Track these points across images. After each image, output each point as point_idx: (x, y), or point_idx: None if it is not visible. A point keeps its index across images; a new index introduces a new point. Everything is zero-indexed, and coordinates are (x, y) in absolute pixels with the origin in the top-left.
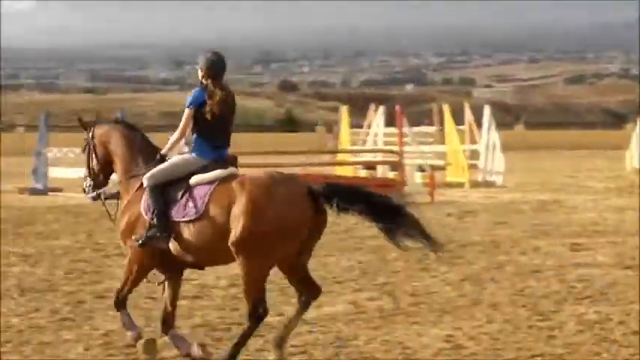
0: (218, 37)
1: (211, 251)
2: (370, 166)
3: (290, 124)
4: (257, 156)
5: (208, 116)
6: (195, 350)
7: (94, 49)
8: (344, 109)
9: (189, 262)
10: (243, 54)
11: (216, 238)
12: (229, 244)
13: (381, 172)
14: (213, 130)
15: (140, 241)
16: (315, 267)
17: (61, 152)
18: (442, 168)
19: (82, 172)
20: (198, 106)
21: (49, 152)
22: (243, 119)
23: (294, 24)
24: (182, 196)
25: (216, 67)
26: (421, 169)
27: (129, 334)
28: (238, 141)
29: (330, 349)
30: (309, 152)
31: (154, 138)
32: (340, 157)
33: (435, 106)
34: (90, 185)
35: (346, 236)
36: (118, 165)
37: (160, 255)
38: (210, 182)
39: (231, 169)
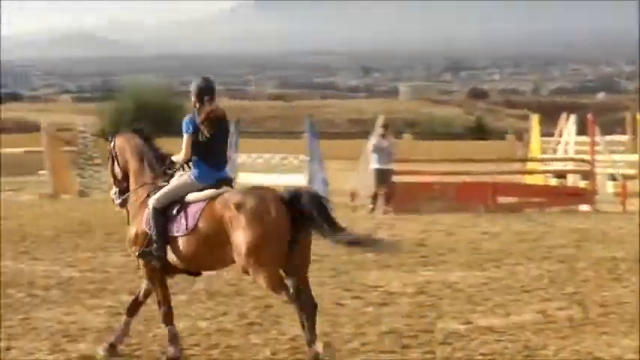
0: (408, 45)
1: (201, 261)
2: (561, 174)
3: (480, 131)
4: (446, 163)
5: (203, 139)
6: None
7: (286, 56)
8: (535, 118)
9: (184, 269)
10: (433, 62)
11: (205, 249)
12: (240, 265)
13: (572, 181)
14: (209, 153)
15: (138, 253)
16: (504, 275)
17: (250, 158)
18: (634, 177)
19: (269, 177)
20: (193, 131)
21: (238, 158)
22: (430, 127)
23: (485, 32)
24: (178, 213)
25: (204, 92)
26: (613, 178)
27: (171, 349)
28: (427, 148)
29: (518, 357)
30: (499, 160)
31: (343, 145)
32: (530, 165)
33: (627, 115)
34: (116, 193)
35: (535, 245)
36: (130, 174)
37: (161, 267)
38: (202, 200)
39: (223, 189)
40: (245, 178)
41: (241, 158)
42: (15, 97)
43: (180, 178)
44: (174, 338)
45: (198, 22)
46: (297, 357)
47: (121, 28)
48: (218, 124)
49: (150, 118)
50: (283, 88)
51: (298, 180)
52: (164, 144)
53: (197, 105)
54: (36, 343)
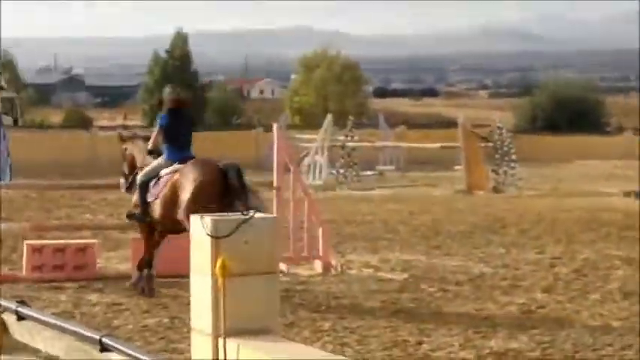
0: None
1: (167, 220)
2: None
3: None
4: None
5: (174, 132)
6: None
7: None
8: None
9: (164, 228)
10: None
11: (167, 210)
12: (179, 218)
13: None
14: (177, 140)
15: (126, 214)
16: None
17: None
18: None
19: None
20: (165, 126)
21: None
22: None
23: None
24: (154, 185)
25: (174, 96)
26: None
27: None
28: None
29: None
30: None
31: None
32: None
33: None
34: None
35: None
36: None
37: (148, 226)
38: (168, 174)
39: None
40: None
41: None
42: (432, 93)
43: (157, 159)
44: (149, 279)
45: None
46: None
47: (546, 24)
48: (188, 122)
49: (566, 114)
50: None
51: None
52: (578, 141)
53: (170, 106)
54: (447, 338)
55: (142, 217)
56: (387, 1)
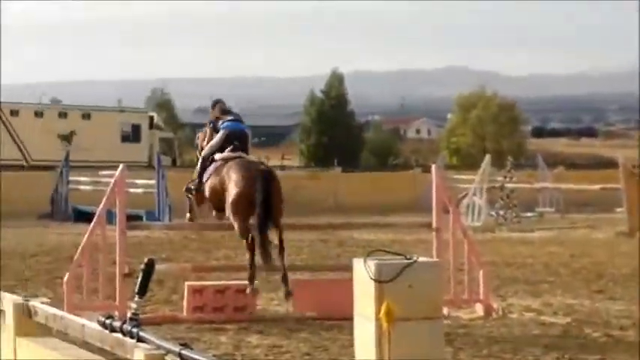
0: None
1: (213, 201)
2: None
3: None
4: None
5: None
6: None
7: None
8: None
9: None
10: None
11: (213, 194)
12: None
13: None
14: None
15: (185, 189)
16: None
17: None
18: None
19: None
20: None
21: None
22: None
23: None
24: (209, 165)
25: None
26: None
27: None
28: None
29: None
30: None
31: None
32: None
33: None
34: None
35: None
36: None
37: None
38: (219, 160)
39: (238, 154)
40: None
41: None
42: (590, 132)
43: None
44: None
45: None
46: None
47: None
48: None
49: None
50: None
51: None
52: None
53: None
54: None
55: (192, 190)
56: (541, 40)
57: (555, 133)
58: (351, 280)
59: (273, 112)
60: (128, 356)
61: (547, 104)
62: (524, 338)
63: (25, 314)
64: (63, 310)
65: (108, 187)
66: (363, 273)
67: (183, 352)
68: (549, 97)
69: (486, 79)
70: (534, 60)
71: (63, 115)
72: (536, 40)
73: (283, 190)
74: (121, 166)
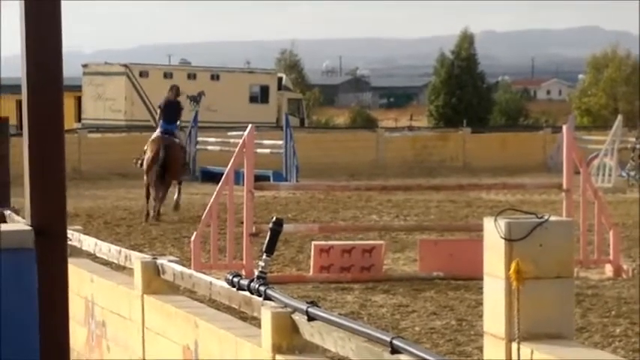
0: None
1: None
2: None
3: None
4: None
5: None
6: None
7: None
8: None
9: None
10: None
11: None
12: None
13: None
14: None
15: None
16: None
17: None
18: None
19: None
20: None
21: None
22: None
23: None
24: None
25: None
26: None
27: None
28: None
29: None
30: None
31: None
32: None
33: None
34: None
35: None
36: None
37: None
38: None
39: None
40: None
41: None
42: None
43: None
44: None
45: None
46: None
47: None
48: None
49: None
50: None
51: None
52: None
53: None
54: None
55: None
56: None
57: None
58: (477, 240)
59: (404, 73)
60: (255, 314)
61: None
62: None
63: (153, 272)
64: (190, 268)
65: (236, 148)
66: (493, 232)
67: (310, 310)
68: None
69: (622, 40)
70: None
71: (192, 76)
72: None
73: (413, 150)
74: (249, 126)
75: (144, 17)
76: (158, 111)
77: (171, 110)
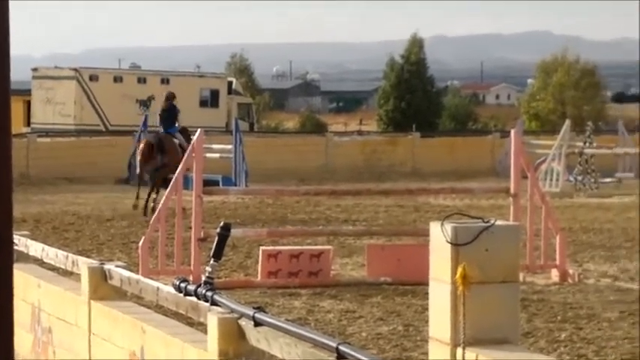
0: None
1: None
2: None
3: None
4: None
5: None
6: None
7: None
8: None
9: None
10: None
11: None
12: None
13: None
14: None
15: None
16: None
17: None
18: None
19: None
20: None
21: None
22: None
23: None
24: None
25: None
26: None
27: None
28: None
29: None
30: None
31: None
32: None
33: None
34: None
35: None
36: None
37: None
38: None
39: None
40: None
41: None
42: None
43: None
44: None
45: None
46: None
47: None
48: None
49: None
50: None
51: None
52: None
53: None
54: None
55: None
56: (626, 1)
57: (637, 99)
58: (425, 245)
59: (354, 77)
60: (202, 319)
61: (629, 69)
62: (599, 304)
63: (100, 278)
64: (138, 274)
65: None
66: (439, 236)
67: (257, 315)
68: (631, 62)
69: (571, 45)
70: (617, 24)
71: (142, 80)
72: (619, 4)
73: (363, 155)
74: (198, 131)
75: (94, 21)
76: (158, 118)
77: (169, 115)
